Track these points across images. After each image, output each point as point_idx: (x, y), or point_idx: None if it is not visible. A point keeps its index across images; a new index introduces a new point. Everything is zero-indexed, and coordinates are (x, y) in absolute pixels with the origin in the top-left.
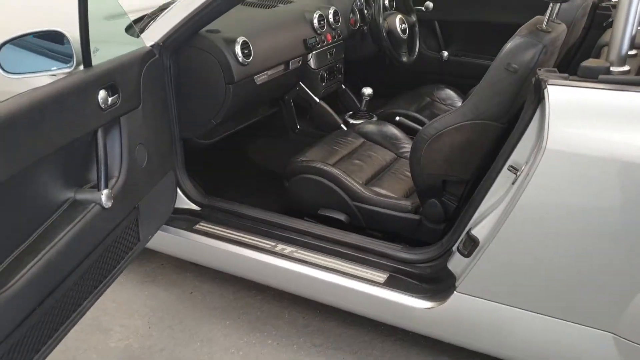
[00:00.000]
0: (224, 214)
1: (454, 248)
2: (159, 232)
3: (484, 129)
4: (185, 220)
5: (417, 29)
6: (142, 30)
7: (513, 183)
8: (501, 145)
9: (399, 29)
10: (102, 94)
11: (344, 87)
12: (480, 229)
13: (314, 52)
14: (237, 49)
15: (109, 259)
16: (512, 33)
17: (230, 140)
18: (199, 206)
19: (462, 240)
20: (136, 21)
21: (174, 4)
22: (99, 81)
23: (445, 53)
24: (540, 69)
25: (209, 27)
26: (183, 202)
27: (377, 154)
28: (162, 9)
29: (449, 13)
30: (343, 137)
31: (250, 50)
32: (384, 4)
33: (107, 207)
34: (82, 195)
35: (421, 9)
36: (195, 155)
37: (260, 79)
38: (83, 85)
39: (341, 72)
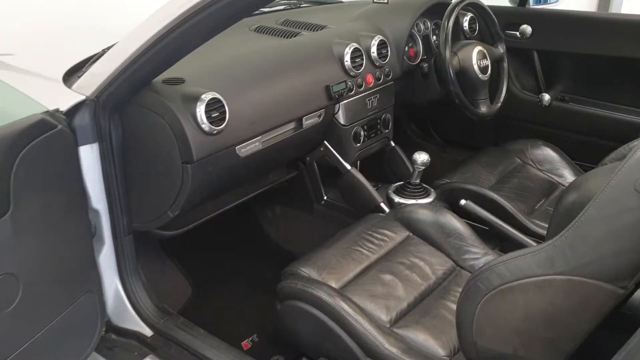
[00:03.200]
0: (178, 351)
1: None
2: None
3: (587, 294)
4: (128, 349)
5: (506, 64)
6: (78, 78)
7: None
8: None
9: (476, 67)
10: None
11: (393, 144)
12: None
13: (342, 102)
14: (200, 111)
15: None
16: None
17: (237, 208)
18: (152, 330)
19: None
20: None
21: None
22: None
23: (547, 96)
24: None
25: (172, 72)
26: (132, 320)
27: (424, 261)
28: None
29: (554, 41)
30: (378, 227)
31: (224, 112)
32: (455, 29)
33: None
34: None
35: (514, 35)
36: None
37: (246, 149)
38: None
39: (389, 125)
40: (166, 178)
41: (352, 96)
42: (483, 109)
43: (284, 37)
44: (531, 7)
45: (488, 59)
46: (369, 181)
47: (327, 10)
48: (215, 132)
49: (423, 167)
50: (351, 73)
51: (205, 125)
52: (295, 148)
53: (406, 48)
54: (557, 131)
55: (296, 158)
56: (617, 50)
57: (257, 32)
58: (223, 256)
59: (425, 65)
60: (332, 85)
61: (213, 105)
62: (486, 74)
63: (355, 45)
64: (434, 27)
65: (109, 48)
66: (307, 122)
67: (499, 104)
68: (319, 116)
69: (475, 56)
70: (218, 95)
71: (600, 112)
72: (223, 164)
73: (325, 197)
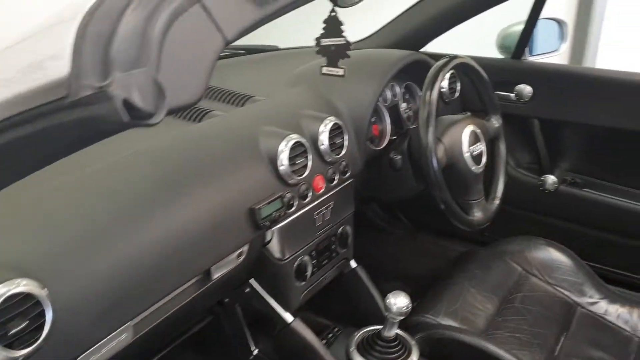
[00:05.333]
0: None
1: None
2: None
3: None
4: None
5: (503, 146)
6: None
7: None
8: None
9: (468, 157)
10: None
11: (354, 264)
12: None
13: (276, 227)
14: None
15: None
16: None
17: None
18: None
19: None
20: None
21: None
22: None
23: (551, 178)
24: None
25: None
26: None
27: None
28: None
29: (562, 106)
30: None
31: (41, 321)
32: (432, 98)
33: None
34: None
35: (508, 97)
36: None
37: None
38: None
39: (348, 240)
40: None
41: (293, 214)
42: (477, 214)
43: (186, 118)
44: (529, 60)
45: (482, 140)
46: (320, 318)
47: (255, 64)
48: (20, 358)
49: (401, 318)
50: (290, 181)
51: None
52: (202, 303)
53: (370, 124)
54: (565, 224)
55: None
56: None
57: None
58: None
59: (398, 157)
60: (260, 208)
61: (14, 309)
62: (480, 164)
63: (295, 137)
64: (404, 91)
65: None
66: (219, 272)
67: (498, 202)
68: (240, 255)
69: (467, 141)
70: (26, 288)
71: (624, 203)
72: None
73: (254, 351)
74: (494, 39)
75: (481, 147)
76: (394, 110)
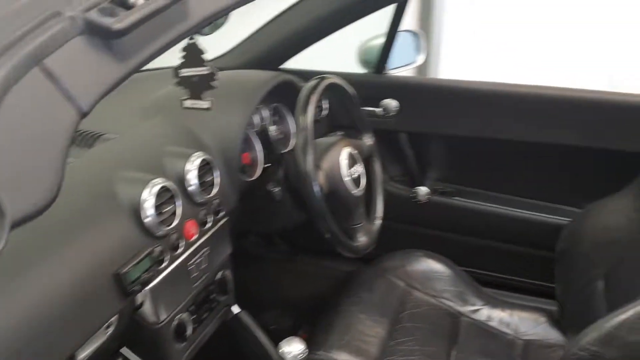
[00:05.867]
0: None
1: None
2: None
3: None
4: None
5: (378, 164)
6: None
7: None
8: None
9: (348, 182)
10: None
11: (236, 309)
12: None
13: (147, 288)
14: None
15: None
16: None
17: None
18: None
19: None
20: None
21: None
22: None
23: (423, 189)
24: None
25: None
26: None
27: None
28: None
29: (429, 119)
30: None
31: None
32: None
33: None
34: None
35: (373, 112)
36: None
37: None
38: None
39: (227, 285)
40: None
41: (165, 269)
42: (362, 238)
43: None
44: (392, 74)
45: (359, 162)
46: None
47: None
48: None
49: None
50: (158, 233)
51: None
52: None
53: (240, 152)
54: (440, 234)
55: None
56: (514, 133)
57: None
58: None
59: (277, 189)
60: (127, 272)
61: None
62: (360, 186)
63: (159, 182)
64: (272, 113)
65: None
66: (84, 352)
67: (379, 222)
68: (108, 327)
69: (345, 164)
70: None
71: (492, 208)
72: None
73: None
74: (351, 52)
75: (359, 168)
76: (263, 134)
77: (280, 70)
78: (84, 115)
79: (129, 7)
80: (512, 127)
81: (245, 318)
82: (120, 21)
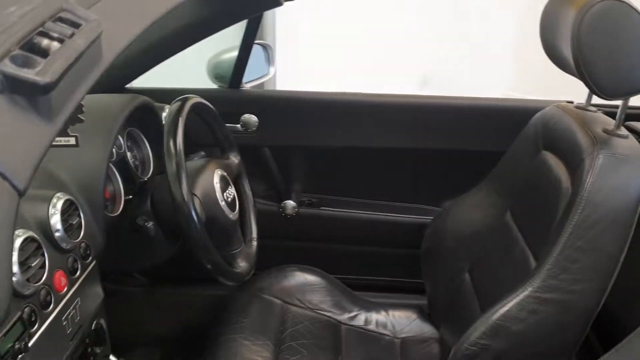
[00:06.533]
0: None
1: None
2: None
3: None
4: None
5: (246, 182)
6: None
7: None
8: None
9: (224, 206)
10: None
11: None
12: None
13: (20, 357)
14: None
15: None
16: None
17: None
18: None
19: None
20: None
21: None
22: None
23: (291, 203)
24: None
25: None
26: None
27: None
28: None
29: (289, 132)
30: None
31: None
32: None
33: None
34: None
35: (235, 128)
36: None
37: None
38: None
39: (104, 339)
40: None
41: (37, 331)
42: (242, 264)
43: None
44: (248, 88)
45: (231, 183)
46: None
47: None
48: None
49: None
50: (26, 292)
51: None
52: None
53: (102, 189)
54: (311, 245)
55: None
56: (371, 140)
57: None
58: None
59: (150, 224)
60: None
61: None
62: (235, 209)
63: (20, 233)
64: (127, 138)
65: None
66: None
67: (255, 243)
68: None
69: (219, 188)
70: None
71: (355, 214)
72: None
73: None
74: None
75: (232, 191)
76: (122, 164)
77: (127, 90)
78: (22, 194)
79: (44, 54)
80: (369, 134)
81: None
82: (45, 73)
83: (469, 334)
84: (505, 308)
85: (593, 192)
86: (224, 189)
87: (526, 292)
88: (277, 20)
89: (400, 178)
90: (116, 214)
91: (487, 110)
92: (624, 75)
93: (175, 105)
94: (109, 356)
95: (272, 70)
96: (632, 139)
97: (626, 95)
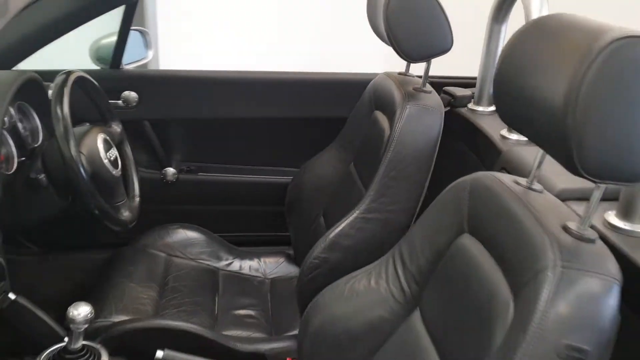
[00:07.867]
0: None
1: None
2: None
3: None
4: None
5: (128, 148)
6: None
7: None
8: None
9: (107, 163)
10: None
11: (13, 296)
12: None
13: None
14: None
15: None
16: None
17: None
18: None
19: None
20: None
21: None
22: None
23: (171, 170)
24: None
25: None
26: None
27: None
28: None
29: (165, 107)
30: None
31: None
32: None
33: None
34: None
35: (117, 104)
36: None
37: None
38: None
39: (2, 274)
40: None
41: None
42: (126, 213)
43: None
44: (126, 68)
45: (113, 146)
46: None
47: None
48: None
49: (86, 326)
50: None
51: None
52: None
53: None
54: (193, 207)
55: None
56: (240, 112)
57: None
58: None
59: (42, 176)
60: None
61: None
62: (118, 167)
63: None
64: (17, 111)
65: None
66: None
67: (138, 199)
68: None
69: (103, 148)
70: None
71: (230, 178)
72: None
73: None
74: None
75: (114, 152)
76: (14, 132)
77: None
78: None
79: None
80: (238, 107)
81: (23, 301)
82: None
83: (312, 250)
84: (340, 227)
85: (402, 134)
86: (106, 150)
87: (355, 214)
88: (157, 5)
89: (265, 144)
90: (10, 172)
91: (334, 83)
92: (423, 43)
93: (60, 77)
94: (8, 293)
95: (150, 53)
96: (434, 94)
97: (426, 58)
